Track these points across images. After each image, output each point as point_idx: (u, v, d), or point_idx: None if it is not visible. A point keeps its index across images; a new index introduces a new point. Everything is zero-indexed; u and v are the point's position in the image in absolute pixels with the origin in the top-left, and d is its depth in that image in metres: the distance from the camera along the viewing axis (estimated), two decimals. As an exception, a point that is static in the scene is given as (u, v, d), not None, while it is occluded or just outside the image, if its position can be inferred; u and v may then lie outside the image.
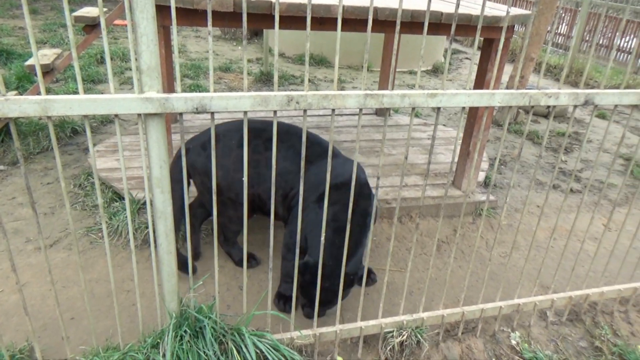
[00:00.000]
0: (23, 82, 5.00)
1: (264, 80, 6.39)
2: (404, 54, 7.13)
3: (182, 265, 2.26)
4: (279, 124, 2.48)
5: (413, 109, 1.77)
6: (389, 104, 1.71)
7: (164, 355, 1.75)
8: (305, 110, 1.66)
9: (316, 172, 2.35)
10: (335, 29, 2.83)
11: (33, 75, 4.44)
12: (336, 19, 2.82)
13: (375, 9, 2.70)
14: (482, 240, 3.22)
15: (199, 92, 1.94)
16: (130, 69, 6.27)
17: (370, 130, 4.64)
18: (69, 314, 2.27)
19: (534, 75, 7.68)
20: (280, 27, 2.52)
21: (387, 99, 1.70)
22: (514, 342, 2.31)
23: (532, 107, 1.90)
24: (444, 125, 5.26)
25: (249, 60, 7.29)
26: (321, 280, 2.08)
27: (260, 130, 2.49)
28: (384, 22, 2.84)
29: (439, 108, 1.79)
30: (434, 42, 8.18)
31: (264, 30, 6.70)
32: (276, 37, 1.52)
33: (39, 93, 3.56)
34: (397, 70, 7.51)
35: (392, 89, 1.73)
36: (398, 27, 1.60)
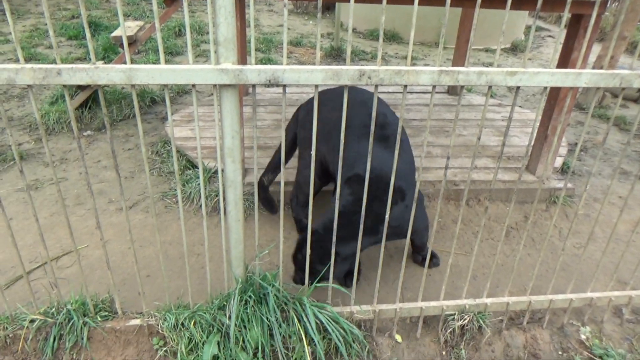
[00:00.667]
0: (108, 53, 5.31)
1: (334, 55, 6.35)
2: (480, 30, 6.80)
3: (266, 203, 2.81)
4: (364, 93, 2.47)
5: (489, 87, 1.69)
6: (464, 81, 1.64)
7: (229, 317, 1.84)
8: (376, 86, 1.64)
9: (355, 151, 2.23)
10: (410, 3, 2.74)
11: (117, 46, 4.69)
12: (412, -8, 2.74)
13: (455, -18, 2.58)
14: (555, 229, 3.06)
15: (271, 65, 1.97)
16: (206, 42, 6.46)
17: (441, 109, 4.50)
18: (145, 271, 2.43)
19: (625, 56, 7.06)
20: (354, 1, 2.48)
21: (463, 76, 1.63)
22: (583, 337, 2.20)
23: (623, 89, 1.76)
24: (519, 106, 5.00)
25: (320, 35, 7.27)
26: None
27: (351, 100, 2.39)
28: (463, -4, 2.71)
29: (517, 87, 1.70)
30: (514, 18, 7.72)
31: (336, 4, 6.63)
32: (351, 10, 1.50)
33: (123, 63, 3.76)
34: (473, 47, 7.20)
35: (467, 66, 1.66)
36: (479, 1, 1.52)
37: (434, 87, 1.67)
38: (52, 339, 1.82)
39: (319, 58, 1.55)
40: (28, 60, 5.29)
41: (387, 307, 2.07)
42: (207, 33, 6.86)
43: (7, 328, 1.84)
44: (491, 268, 2.20)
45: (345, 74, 1.56)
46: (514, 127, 4.26)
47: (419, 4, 1.53)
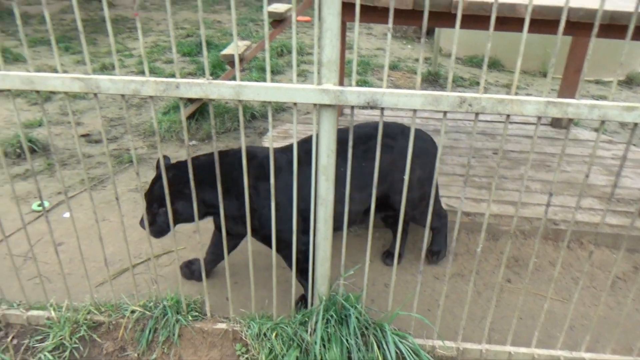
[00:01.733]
0: (216, 70, 5.69)
1: (430, 80, 6.28)
2: (592, 60, 6.36)
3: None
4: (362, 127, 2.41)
5: (602, 122, 1.58)
6: (573, 114, 1.55)
7: (310, 334, 1.86)
8: (476, 114, 1.60)
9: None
10: (517, 30, 2.65)
11: (225, 63, 5.02)
12: (519, 19, 2.65)
13: (568, 9, 2.46)
14: (671, 282, 2.74)
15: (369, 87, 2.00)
16: (305, 62, 6.70)
17: (543, 142, 4.25)
18: (233, 278, 2.54)
19: None
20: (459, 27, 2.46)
21: (573, 108, 1.54)
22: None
23: None
24: (634, 145, 4.58)
25: (416, 60, 7.24)
26: None
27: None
28: (575, 24, 2.58)
29: (636, 124, 1.57)
30: (630, 49, 7.13)
31: (436, 29, 6.57)
32: (456, 36, 1.48)
33: (231, 79, 4.01)
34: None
35: (577, 98, 1.56)
36: (595, 30, 1.43)
37: (539, 118, 1.60)
38: (147, 331, 1.96)
39: (419, 82, 1.55)
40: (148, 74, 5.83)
41: (472, 347, 1.98)
42: (307, 54, 7.12)
43: (111, 315, 2.01)
44: (592, 320, 2.02)
45: (446, 100, 1.54)
46: (627, 167, 3.90)
47: (528, 31, 1.48)
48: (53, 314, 2.04)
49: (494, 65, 7.25)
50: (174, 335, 1.97)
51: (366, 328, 1.89)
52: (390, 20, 1.49)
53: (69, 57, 6.52)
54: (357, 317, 1.87)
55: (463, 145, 4.11)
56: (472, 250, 2.90)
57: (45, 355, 1.92)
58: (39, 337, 2.01)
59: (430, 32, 8.89)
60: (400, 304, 2.34)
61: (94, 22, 8.57)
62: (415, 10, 2.65)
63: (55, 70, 5.50)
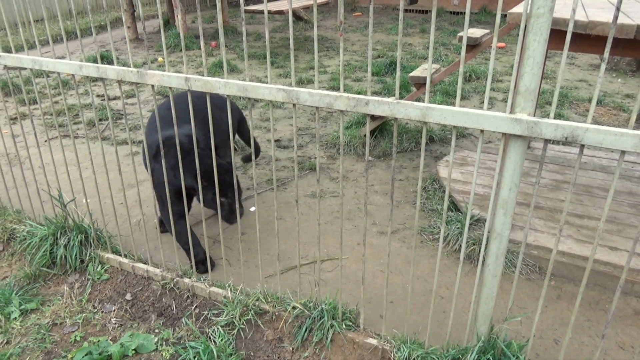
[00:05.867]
0: (401, 91, 5.80)
1: (643, 120, 5.43)
2: None
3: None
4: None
5: None
6: None
7: (462, 372, 1.76)
8: None
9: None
10: None
11: (411, 85, 5.08)
12: None
13: None
14: None
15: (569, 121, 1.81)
16: (493, 89, 6.40)
17: None
18: (389, 297, 2.54)
19: None
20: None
21: None
22: None
23: None
24: None
25: (627, 95, 6.33)
26: None
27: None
28: None
29: None
30: None
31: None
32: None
33: (415, 100, 4.05)
34: None
35: None
36: None
37: None
38: (304, 329, 2.08)
39: (633, 121, 1.36)
40: (337, 90, 6.23)
41: None
42: (497, 81, 6.79)
43: (275, 306, 2.19)
44: None
45: (667, 144, 1.32)
46: None
47: None
48: (229, 294, 2.30)
49: None
50: (327, 338, 2.05)
51: (527, 383, 1.71)
52: (607, 50, 1.34)
53: (273, 70, 7.34)
54: (518, 369, 1.71)
55: (678, 199, 3.45)
56: (675, 326, 2.41)
57: (218, 328, 2.18)
58: (215, 312, 2.29)
59: (649, 65, 7.73)
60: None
61: (297, 40, 9.48)
62: (637, 40, 2.33)
63: (260, 81, 6.23)
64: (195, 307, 2.36)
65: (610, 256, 2.75)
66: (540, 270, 2.77)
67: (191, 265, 2.66)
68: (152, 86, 2.10)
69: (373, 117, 4.34)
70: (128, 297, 2.48)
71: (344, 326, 2.08)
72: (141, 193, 3.54)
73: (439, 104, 4.51)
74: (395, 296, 2.56)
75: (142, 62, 7.76)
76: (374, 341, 2.02)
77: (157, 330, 2.27)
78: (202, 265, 2.68)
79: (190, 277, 2.46)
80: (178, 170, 2.48)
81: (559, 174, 3.81)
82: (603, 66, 1.37)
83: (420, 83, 4.07)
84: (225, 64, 1.90)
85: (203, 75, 1.91)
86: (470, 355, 1.77)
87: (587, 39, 2.47)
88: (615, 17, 1.29)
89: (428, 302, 2.49)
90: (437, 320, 2.39)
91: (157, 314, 2.37)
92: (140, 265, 2.58)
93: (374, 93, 6.14)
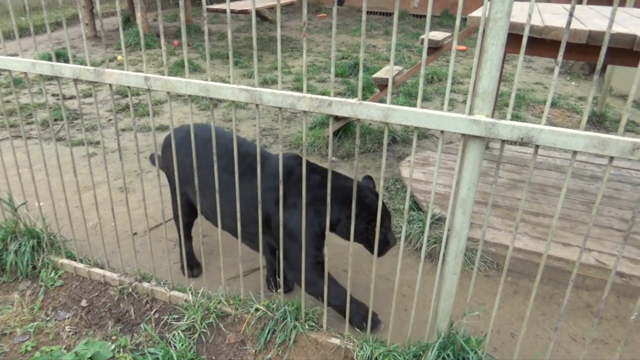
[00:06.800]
0: (365, 92, 5.85)
1: (594, 122, 5.68)
2: None
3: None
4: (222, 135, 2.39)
5: None
6: None
7: (423, 369, 1.78)
8: (652, 164, 1.40)
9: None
10: None
11: (375, 86, 5.13)
12: None
13: None
14: None
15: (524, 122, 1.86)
16: (454, 91, 6.55)
17: None
18: (353, 296, 2.55)
19: None
20: None
21: None
22: None
23: None
24: None
25: (580, 98, 6.61)
26: None
27: (206, 139, 2.39)
28: None
29: None
30: None
31: (608, 66, 5.93)
32: (638, 76, 1.33)
33: (377, 102, 4.09)
34: None
35: None
36: None
37: None
38: (267, 331, 2.07)
39: (584, 122, 1.41)
40: (301, 90, 6.23)
41: None
42: (458, 83, 6.95)
43: (237, 309, 2.16)
44: None
45: (615, 144, 1.39)
46: None
47: None
48: (190, 297, 2.26)
49: (678, 111, 6.31)
50: (289, 340, 2.04)
51: (486, 378, 1.75)
52: (561, 54, 1.38)
53: (237, 70, 7.26)
54: (477, 364, 1.75)
55: (625, 197, 3.62)
56: (621, 317, 2.52)
57: (179, 333, 2.13)
58: (176, 316, 2.24)
59: (601, 70, 8.06)
60: (527, 361, 2.13)
61: (262, 40, 9.42)
62: (588, 45, 2.43)
63: (224, 81, 6.15)
64: (155, 312, 2.30)
65: (563, 252, 2.86)
66: (498, 267, 2.85)
67: (359, 325, 2.24)
68: (110, 85, 2.03)
69: (337, 118, 4.36)
70: (83, 303, 2.39)
71: (307, 327, 2.08)
72: (98, 196, 3.43)
73: (401, 105, 4.57)
74: (358, 295, 2.57)
75: (101, 61, 7.53)
76: (336, 341, 2.03)
77: (114, 337, 2.20)
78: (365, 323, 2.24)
79: (149, 281, 2.40)
80: (321, 204, 2.12)
81: (516, 174, 3.93)
82: (557, 70, 1.42)
83: (383, 84, 4.12)
84: (186, 63, 1.86)
85: (164, 75, 1.86)
86: (431, 352, 1.80)
87: (542, 43, 2.56)
88: (569, 23, 1.34)
89: (390, 300, 2.52)
90: (400, 318, 2.42)
91: (115, 320, 2.30)
92: (97, 270, 2.50)
93: (338, 94, 6.17)
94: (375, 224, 2.13)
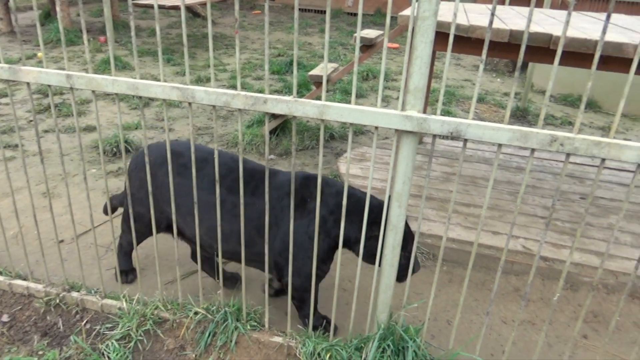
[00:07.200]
0: (302, 89, 5.86)
1: (518, 116, 6.03)
2: None
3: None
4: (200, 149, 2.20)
5: None
6: (683, 165, 1.41)
7: (365, 361, 1.81)
8: (567, 155, 1.51)
9: None
10: (621, 70, 2.49)
11: (311, 83, 5.15)
12: (625, 59, 2.48)
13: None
14: None
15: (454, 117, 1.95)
16: (388, 88, 6.71)
17: (638, 192, 3.91)
18: (294, 294, 2.56)
19: None
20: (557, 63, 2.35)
21: (682, 158, 1.40)
22: None
23: None
24: None
25: (505, 94, 6.99)
26: None
27: (177, 154, 2.20)
28: (692, 68, 2.36)
29: None
30: None
31: (530, 63, 6.32)
32: (553, 72, 1.42)
33: (315, 99, 4.11)
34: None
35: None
36: None
37: (638, 165, 1.47)
38: (207, 334, 2.02)
39: (507, 116, 1.49)
40: (236, 88, 6.13)
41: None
42: (392, 80, 7.13)
43: (176, 314, 2.10)
44: (684, 394, 1.79)
45: (535, 137, 1.47)
46: None
47: (636, 73, 1.38)
48: (124, 305, 2.16)
49: (590, 105, 6.84)
50: (231, 341, 2.01)
51: (424, 364, 1.81)
52: (485, 52, 1.45)
53: (169, 68, 7.03)
54: (414, 351, 1.81)
55: (547, 186, 3.88)
56: (546, 298, 2.70)
57: (112, 343, 2.03)
58: (109, 325, 2.13)
59: (523, 67, 8.58)
60: (462, 344, 2.22)
61: (195, 37, 9.18)
62: (510, 43, 2.57)
63: (156, 79, 5.93)
64: (86, 322, 2.18)
65: (493, 240, 3.02)
66: (434, 257, 2.96)
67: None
68: (28, 84, 1.89)
69: (274, 116, 4.33)
70: (5, 318, 2.22)
71: (248, 327, 2.05)
72: (18, 202, 3.20)
73: (338, 102, 4.62)
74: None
75: (19, 58, 7.02)
76: (279, 339, 2.02)
77: (40, 352, 2.06)
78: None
79: (79, 291, 2.27)
80: (335, 217, 2.04)
81: (449, 167, 4.09)
82: (482, 67, 1.48)
83: (319, 82, 4.14)
84: (112, 60, 1.77)
85: (88, 73, 1.76)
86: (372, 344, 1.83)
87: (468, 42, 2.67)
88: (491, 22, 1.40)
89: (332, 295, 2.54)
90: (342, 312, 2.45)
91: (41, 334, 2.15)
92: (19, 282, 2.33)
93: (275, 92, 6.14)
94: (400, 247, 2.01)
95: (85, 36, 1.71)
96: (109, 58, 6.78)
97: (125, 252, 2.55)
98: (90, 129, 4.68)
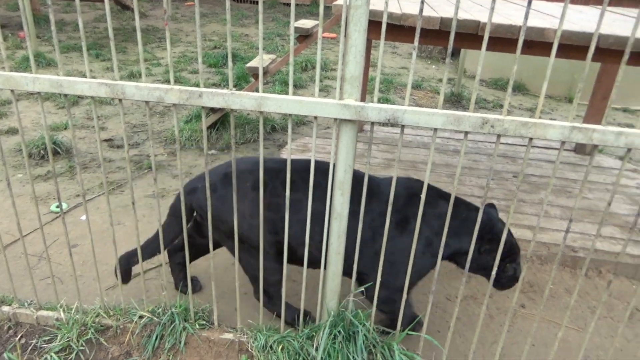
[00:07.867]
0: (240, 82, 5.77)
1: (453, 101, 6.26)
2: (620, 88, 6.25)
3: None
4: (298, 162, 2.08)
5: (629, 150, 1.54)
6: (599, 140, 1.52)
7: (316, 349, 1.83)
8: (498, 136, 1.58)
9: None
10: (544, 54, 2.63)
11: (250, 75, 5.08)
12: (546, 43, 2.62)
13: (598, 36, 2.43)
14: (695, 320, 2.63)
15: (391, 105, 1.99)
16: (328, 78, 6.74)
17: (565, 168, 4.18)
18: (243, 289, 2.53)
19: None
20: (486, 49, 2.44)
21: (599, 135, 1.51)
22: None
23: None
24: (661, 175, 4.46)
25: (440, 80, 7.22)
26: None
27: (276, 170, 2.09)
28: (605, 51, 2.54)
29: (664, 153, 1.53)
30: (662, 78, 6.99)
31: (461, 50, 6.56)
32: (481, 58, 1.47)
33: (254, 91, 4.05)
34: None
35: (604, 125, 1.53)
36: (626, 58, 1.41)
37: (562, 143, 1.56)
38: (154, 337, 1.96)
39: (441, 102, 1.54)
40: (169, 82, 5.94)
41: (482, 372, 1.92)
42: (331, 69, 7.17)
43: (119, 319, 2.02)
44: (608, 351, 1.95)
45: (467, 120, 1.53)
46: (652, 197, 3.80)
47: (556, 56, 1.46)
48: (62, 315, 2.05)
49: (519, 88, 7.20)
50: (180, 342, 1.96)
51: (374, 346, 1.86)
52: (417, 39, 1.48)
53: (99, 63, 6.69)
54: (365, 335, 1.84)
55: (482, 167, 4.06)
56: (487, 275, 2.84)
57: (51, 356, 1.93)
58: (47, 338, 2.02)
59: (455, 53, 8.89)
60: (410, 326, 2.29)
61: (126, 31, 8.79)
62: (441, 30, 2.64)
63: (84, 76, 5.62)
64: (21, 337, 2.05)
65: (434, 222, 3.11)
66: (380, 243, 3.02)
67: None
68: None
69: (213, 110, 4.24)
70: None
71: (197, 326, 2.01)
72: (-63, 213, 2.95)
73: (277, 93, 4.59)
74: (248, 287, 2.54)
75: None
76: (230, 335, 2.00)
77: (-28, 372, 1.93)
78: None
79: (10, 304, 2.13)
80: (436, 232, 2.02)
81: (390, 153, 4.18)
82: (414, 54, 1.52)
83: (257, 74, 4.09)
84: (31, 57, 1.66)
85: (5, 71, 1.64)
86: (323, 331, 1.85)
87: (402, 30, 2.73)
88: (421, 10, 1.43)
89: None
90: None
91: (-29, 353, 2.01)
92: (-57, 299, 2.15)
93: (213, 85, 6.00)
94: (508, 260, 2.07)
95: (-1, 31, 1.59)
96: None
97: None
98: (13, 131, 4.37)
